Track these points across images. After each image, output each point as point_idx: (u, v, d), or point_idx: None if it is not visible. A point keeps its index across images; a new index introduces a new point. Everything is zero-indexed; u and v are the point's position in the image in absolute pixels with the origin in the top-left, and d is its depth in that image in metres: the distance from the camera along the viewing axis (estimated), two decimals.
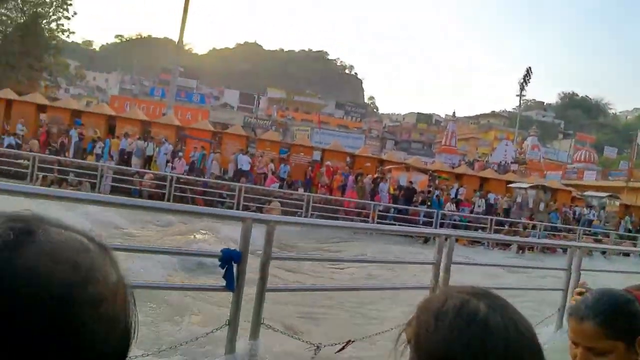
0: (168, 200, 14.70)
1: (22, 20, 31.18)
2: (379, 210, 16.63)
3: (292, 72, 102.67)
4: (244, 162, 17.63)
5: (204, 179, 16.91)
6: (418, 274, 6.72)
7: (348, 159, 20.67)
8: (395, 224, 15.89)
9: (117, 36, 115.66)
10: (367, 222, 15.39)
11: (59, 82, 36.86)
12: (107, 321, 0.42)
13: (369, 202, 16.72)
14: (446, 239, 4.52)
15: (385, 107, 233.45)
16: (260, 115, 50.59)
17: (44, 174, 14.55)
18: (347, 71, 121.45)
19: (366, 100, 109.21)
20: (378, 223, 15.03)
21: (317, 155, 20.25)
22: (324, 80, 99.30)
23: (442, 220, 16.97)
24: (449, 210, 17.67)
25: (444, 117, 71.91)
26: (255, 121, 42.27)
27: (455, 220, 17.70)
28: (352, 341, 3.78)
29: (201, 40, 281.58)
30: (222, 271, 3.23)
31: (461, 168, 24.48)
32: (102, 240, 0.47)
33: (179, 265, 6.61)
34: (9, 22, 31.29)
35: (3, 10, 30.76)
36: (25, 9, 31.45)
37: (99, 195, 12.46)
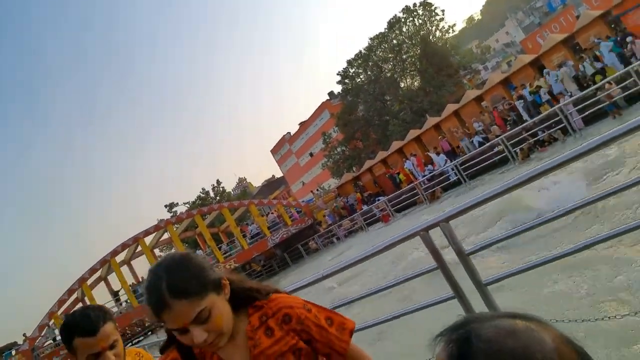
0: None
1: (418, 51, 36.14)
2: None
3: None
4: None
5: None
6: None
7: None
8: None
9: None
10: None
11: (474, 67, 39.16)
12: None
13: None
14: None
15: None
16: None
17: (518, 148, 14.87)
18: None
19: None
20: None
21: None
22: None
23: None
24: None
25: None
26: None
27: None
28: None
29: None
30: None
31: None
32: (529, 316, 0.49)
33: None
34: (413, 60, 37.01)
35: (404, 57, 36.83)
36: (413, 42, 36.43)
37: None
